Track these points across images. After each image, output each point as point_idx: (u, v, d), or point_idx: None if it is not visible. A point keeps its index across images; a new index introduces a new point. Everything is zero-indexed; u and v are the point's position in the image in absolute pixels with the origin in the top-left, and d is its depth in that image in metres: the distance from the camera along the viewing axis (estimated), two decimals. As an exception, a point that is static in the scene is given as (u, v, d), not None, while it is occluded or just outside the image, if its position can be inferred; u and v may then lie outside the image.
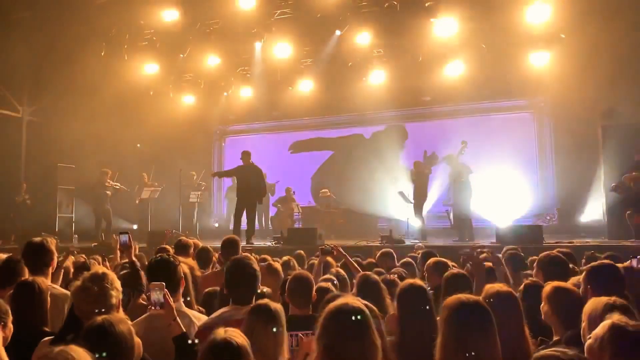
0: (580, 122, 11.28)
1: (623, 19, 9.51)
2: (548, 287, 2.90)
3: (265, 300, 2.52)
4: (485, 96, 13.35)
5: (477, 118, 13.83)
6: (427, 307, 2.75)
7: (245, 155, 10.31)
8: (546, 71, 11.81)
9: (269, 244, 10.01)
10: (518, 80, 12.96)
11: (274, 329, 2.35)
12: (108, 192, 11.27)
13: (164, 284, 2.52)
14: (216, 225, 14.38)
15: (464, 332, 2.11)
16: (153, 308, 2.47)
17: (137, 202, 11.99)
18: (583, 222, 11.06)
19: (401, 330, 2.71)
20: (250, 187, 10.07)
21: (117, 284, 2.46)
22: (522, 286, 3.35)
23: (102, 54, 12.23)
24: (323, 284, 3.51)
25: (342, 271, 4.21)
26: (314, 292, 3.19)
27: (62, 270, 4.14)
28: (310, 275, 3.38)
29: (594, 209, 10.47)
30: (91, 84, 12.30)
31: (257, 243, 10.38)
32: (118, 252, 4.64)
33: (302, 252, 6.22)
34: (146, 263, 4.70)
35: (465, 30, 10.75)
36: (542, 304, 2.86)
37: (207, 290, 3.85)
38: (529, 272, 4.43)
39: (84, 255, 5.63)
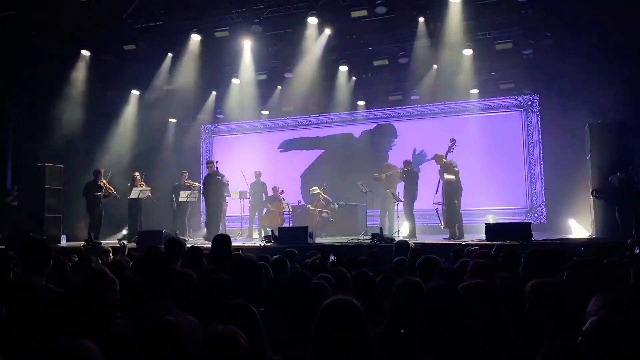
0: (568, 120, 11.39)
1: (613, 19, 9.60)
2: (530, 283, 2.92)
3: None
4: (475, 94, 13.44)
5: (466, 116, 13.94)
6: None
7: (209, 163, 11.74)
8: (535, 70, 11.93)
9: (260, 243, 9.99)
10: (508, 78, 13.09)
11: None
12: (99, 193, 11.13)
13: None
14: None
15: (434, 313, 2.16)
16: None
17: (127, 199, 11.90)
18: (571, 219, 11.16)
19: (393, 321, 2.76)
20: (213, 192, 11.36)
21: (117, 285, 2.44)
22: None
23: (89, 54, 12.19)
24: (319, 282, 3.52)
25: (343, 269, 4.19)
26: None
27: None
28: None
29: (582, 207, 10.58)
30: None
31: (248, 242, 10.40)
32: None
33: (294, 250, 6.20)
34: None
35: (454, 28, 10.79)
36: (525, 301, 2.88)
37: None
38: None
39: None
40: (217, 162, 11.65)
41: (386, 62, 12.30)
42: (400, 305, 2.81)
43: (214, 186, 11.36)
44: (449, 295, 2.20)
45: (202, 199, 13.10)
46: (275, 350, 2.41)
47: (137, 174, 12.16)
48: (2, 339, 2.37)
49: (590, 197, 9.74)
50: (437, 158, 10.20)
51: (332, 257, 5.59)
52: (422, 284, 2.95)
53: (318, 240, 10.05)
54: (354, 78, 13.61)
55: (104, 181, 11.20)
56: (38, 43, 11.40)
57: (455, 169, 9.96)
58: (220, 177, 11.41)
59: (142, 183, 12.05)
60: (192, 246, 5.24)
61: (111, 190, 11.29)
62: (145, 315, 2.57)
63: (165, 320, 1.99)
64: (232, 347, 1.87)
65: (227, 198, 12.89)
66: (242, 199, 13.23)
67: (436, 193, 10.32)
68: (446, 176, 9.93)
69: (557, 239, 8.46)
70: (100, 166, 11.58)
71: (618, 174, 8.84)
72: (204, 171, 16.15)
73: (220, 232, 10.84)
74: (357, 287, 3.36)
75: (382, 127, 15.02)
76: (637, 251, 5.02)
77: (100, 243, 10.03)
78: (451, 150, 10.06)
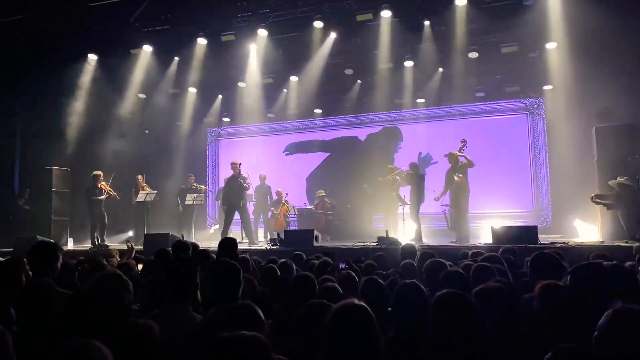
0: (574, 123, 11.36)
1: (618, 21, 9.56)
2: (538, 285, 2.92)
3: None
4: (480, 97, 13.43)
5: (472, 119, 13.93)
6: (423, 305, 2.78)
7: (233, 165, 11.57)
8: (541, 73, 11.91)
9: (266, 246, 10.01)
10: (513, 81, 13.08)
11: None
12: (101, 197, 11.13)
13: None
14: (211, 231, 14.43)
15: (446, 318, 2.19)
16: None
17: (133, 203, 11.96)
18: (577, 222, 11.11)
19: (397, 326, 2.77)
20: (233, 194, 11.28)
21: (130, 286, 2.47)
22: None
23: (96, 57, 12.26)
24: (330, 285, 3.53)
25: (352, 273, 4.19)
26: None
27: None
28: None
29: (589, 210, 10.53)
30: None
31: (253, 246, 10.42)
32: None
33: (301, 253, 6.23)
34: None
35: (459, 32, 10.79)
36: (534, 302, 2.88)
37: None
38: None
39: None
40: (240, 164, 11.49)
41: (391, 65, 12.32)
42: (401, 307, 2.82)
43: (235, 188, 11.29)
44: (458, 303, 2.20)
45: (207, 203, 13.22)
46: (280, 352, 2.42)
47: (139, 177, 12.22)
48: (12, 341, 2.39)
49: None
50: (450, 156, 10.16)
51: (342, 265, 5.54)
52: (421, 286, 2.95)
53: (324, 243, 10.06)
54: (359, 81, 13.64)
55: (104, 184, 11.22)
56: (45, 47, 11.48)
57: (464, 161, 9.94)
58: (242, 180, 11.32)
59: (145, 185, 12.10)
60: (200, 249, 5.31)
61: (111, 192, 11.32)
62: (163, 317, 2.60)
63: (138, 322, 2.03)
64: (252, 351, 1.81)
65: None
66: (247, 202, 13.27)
67: (444, 195, 10.31)
68: (455, 179, 9.92)
69: (563, 242, 8.44)
70: (106, 169, 11.62)
71: (618, 178, 8.82)
72: (210, 174, 16.29)
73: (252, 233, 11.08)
74: (366, 293, 3.36)
75: (387, 130, 15.03)
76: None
77: (107, 246, 10.09)
78: (462, 151, 10.06)
